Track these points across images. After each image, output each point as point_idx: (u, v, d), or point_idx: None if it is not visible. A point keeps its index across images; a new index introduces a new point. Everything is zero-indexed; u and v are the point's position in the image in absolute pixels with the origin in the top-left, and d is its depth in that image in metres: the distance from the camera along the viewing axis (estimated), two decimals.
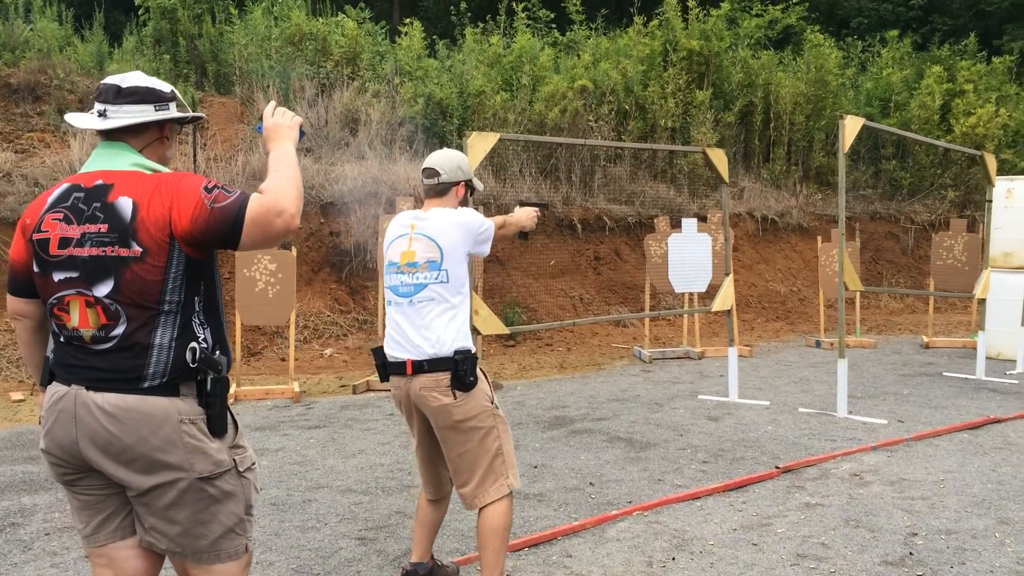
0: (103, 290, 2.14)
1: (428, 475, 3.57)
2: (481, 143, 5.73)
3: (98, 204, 2.16)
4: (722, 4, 15.00)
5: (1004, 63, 16.21)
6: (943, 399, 7.20)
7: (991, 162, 7.86)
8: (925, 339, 9.99)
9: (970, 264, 9.54)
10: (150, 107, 2.28)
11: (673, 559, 3.95)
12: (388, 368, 3.43)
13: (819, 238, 10.45)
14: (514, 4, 14.49)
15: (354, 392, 7.65)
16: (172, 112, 2.34)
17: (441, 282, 3.36)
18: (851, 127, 6.43)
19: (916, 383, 7.92)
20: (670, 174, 13.15)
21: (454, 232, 3.38)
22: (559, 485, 5.02)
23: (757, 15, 16.09)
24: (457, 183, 3.50)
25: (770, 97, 14.24)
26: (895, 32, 17.10)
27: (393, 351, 3.40)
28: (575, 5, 15.15)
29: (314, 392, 7.73)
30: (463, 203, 3.58)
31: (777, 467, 5.22)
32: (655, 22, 14.72)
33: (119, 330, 2.15)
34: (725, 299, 6.99)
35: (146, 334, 2.16)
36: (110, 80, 2.30)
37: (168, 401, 2.17)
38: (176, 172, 2.25)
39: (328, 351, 9.15)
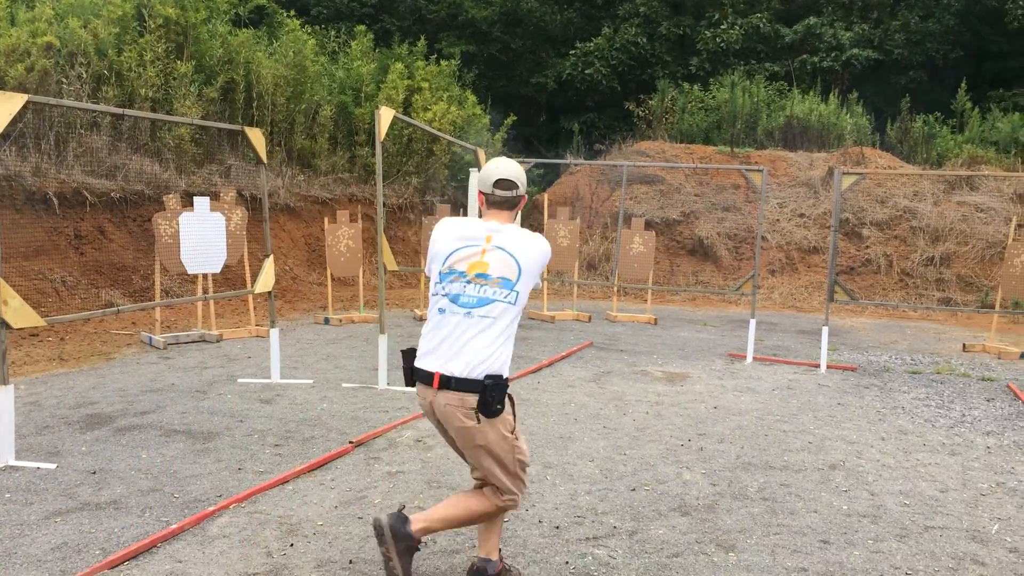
0: None
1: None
2: (6, 106, 4.85)
3: None
4: None
5: (450, 67, 18.40)
6: None
7: (483, 156, 9.03)
8: (419, 312, 11.07)
9: None
10: None
11: (291, 545, 3.95)
12: (415, 374, 3.27)
13: (326, 220, 10.85)
14: None
15: None
16: None
17: (509, 302, 3.18)
18: (385, 117, 6.86)
19: None
20: (154, 148, 12.35)
21: (537, 257, 3.23)
22: (132, 489, 4.60)
23: None
24: (523, 197, 3.37)
25: (251, 76, 14.18)
26: (363, 27, 18.25)
27: (424, 360, 3.24)
28: None
29: None
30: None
31: (350, 442, 5.45)
32: None
33: None
34: (267, 281, 6.94)
35: None
36: None
37: None
38: None
39: None
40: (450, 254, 3.28)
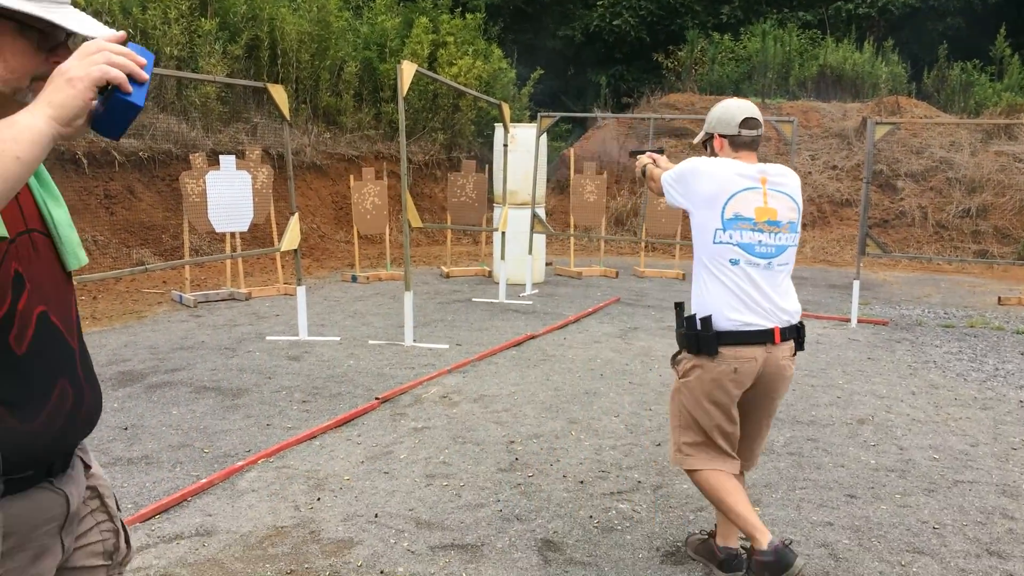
0: None
1: (738, 445, 3.31)
2: None
3: None
4: None
5: (476, 20, 18.16)
6: (482, 322, 8.15)
7: (507, 110, 8.93)
8: (445, 269, 11.06)
9: (479, 201, 10.75)
10: None
11: (319, 499, 3.99)
12: (734, 337, 3.04)
13: (351, 177, 10.83)
14: None
15: None
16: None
17: (795, 244, 3.15)
18: (407, 72, 6.79)
19: (454, 309, 8.80)
20: (180, 106, 12.38)
21: (801, 195, 3.15)
22: (163, 444, 4.67)
23: None
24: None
25: (276, 33, 14.11)
26: None
27: (748, 318, 3.04)
28: None
29: None
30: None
31: (377, 398, 5.49)
32: None
33: None
34: (292, 239, 6.96)
35: None
36: None
37: None
38: None
39: None
40: (732, 196, 3.07)
